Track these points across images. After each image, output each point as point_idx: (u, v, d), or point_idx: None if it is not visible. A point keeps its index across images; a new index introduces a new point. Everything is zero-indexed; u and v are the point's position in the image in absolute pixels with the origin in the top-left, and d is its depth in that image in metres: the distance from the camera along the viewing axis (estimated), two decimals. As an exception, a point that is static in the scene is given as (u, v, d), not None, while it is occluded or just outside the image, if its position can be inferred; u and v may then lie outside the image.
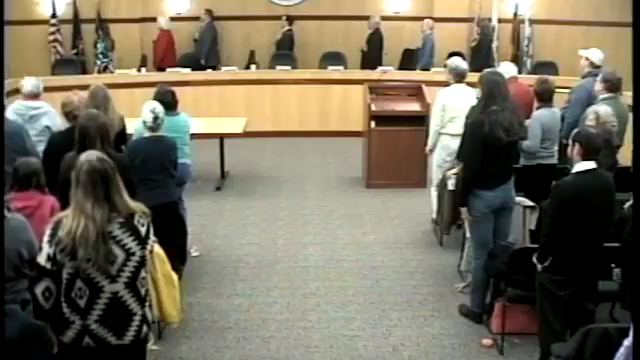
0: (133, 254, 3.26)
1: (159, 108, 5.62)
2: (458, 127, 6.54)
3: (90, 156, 3.26)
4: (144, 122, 5.58)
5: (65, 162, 4.56)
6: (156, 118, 5.54)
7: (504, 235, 5.35)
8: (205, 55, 12.22)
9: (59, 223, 3.19)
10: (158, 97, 6.09)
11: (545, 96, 6.26)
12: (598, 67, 7.07)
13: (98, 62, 11.96)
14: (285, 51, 12.38)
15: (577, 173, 4.37)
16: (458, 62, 7.07)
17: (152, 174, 5.41)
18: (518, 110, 5.24)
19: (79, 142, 4.55)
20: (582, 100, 6.70)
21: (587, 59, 7.18)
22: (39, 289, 3.20)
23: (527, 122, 6.06)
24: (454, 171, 6.10)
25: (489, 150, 5.07)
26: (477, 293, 5.38)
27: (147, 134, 5.58)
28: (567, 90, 7.29)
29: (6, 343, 3.00)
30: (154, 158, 5.46)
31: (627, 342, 3.10)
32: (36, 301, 3.21)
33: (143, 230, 3.30)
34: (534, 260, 4.47)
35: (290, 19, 12.52)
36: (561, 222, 4.33)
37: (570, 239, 4.34)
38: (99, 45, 11.98)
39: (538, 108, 6.32)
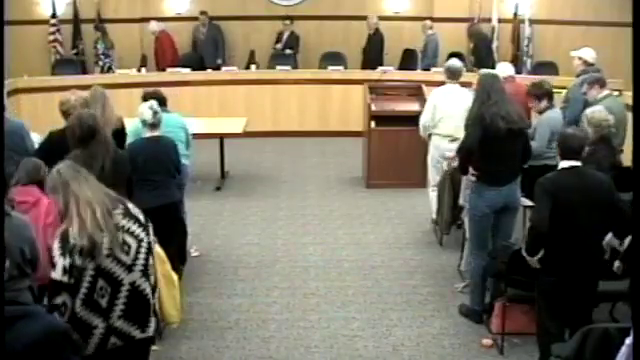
0: (142, 240, 3.31)
1: (155, 104, 5.66)
2: (448, 128, 6.74)
3: (60, 166, 3.29)
4: (144, 121, 5.57)
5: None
6: (155, 113, 5.58)
7: (507, 236, 5.35)
8: (219, 56, 12.14)
9: (66, 232, 3.16)
10: (150, 95, 6.15)
11: (550, 95, 6.31)
12: (592, 65, 7.16)
13: (100, 63, 11.87)
14: (292, 52, 12.29)
15: (559, 170, 4.42)
16: (453, 62, 7.15)
17: (153, 175, 5.40)
18: (516, 104, 5.31)
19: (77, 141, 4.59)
20: (580, 98, 6.73)
21: (580, 59, 7.27)
22: (55, 303, 3.14)
23: (533, 122, 6.12)
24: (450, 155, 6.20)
25: (492, 145, 5.10)
26: (476, 292, 5.39)
27: (147, 134, 5.58)
28: (564, 90, 7.33)
29: (30, 345, 2.99)
30: (155, 158, 5.46)
31: (628, 341, 3.09)
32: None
33: (141, 216, 3.38)
34: (523, 253, 4.47)
35: (291, 19, 12.47)
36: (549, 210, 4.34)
37: (557, 238, 4.31)
38: (99, 46, 11.93)
39: (545, 109, 6.26)
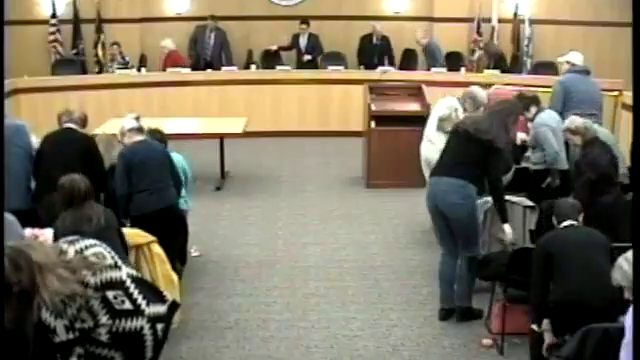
0: (101, 244, 3.31)
1: (133, 115, 5.75)
2: (430, 131, 6.88)
3: (12, 245, 3.05)
4: (130, 130, 5.54)
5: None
6: (137, 118, 5.61)
7: (466, 247, 5.31)
8: (226, 63, 12.06)
9: (39, 302, 2.96)
10: (153, 130, 6.06)
11: (536, 101, 6.38)
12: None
13: (129, 69, 11.63)
14: (315, 55, 12.12)
15: (559, 228, 4.46)
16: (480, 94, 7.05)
17: (151, 175, 5.37)
18: (489, 117, 5.34)
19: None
20: (558, 93, 7.06)
21: (568, 62, 7.42)
22: None
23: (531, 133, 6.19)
24: None
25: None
26: (441, 289, 5.47)
27: (136, 138, 5.54)
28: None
29: None
30: (150, 158, 5.44)
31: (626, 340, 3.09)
32: None
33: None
34: (533, 327, 4.37)
35: (306, 22, 12.17)
36: (546, 275, 4.31)
37: (559, 297, 4.24)
38: (126, 58, 11.79)
39: (535, 114, 6.29)
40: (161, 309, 3.32)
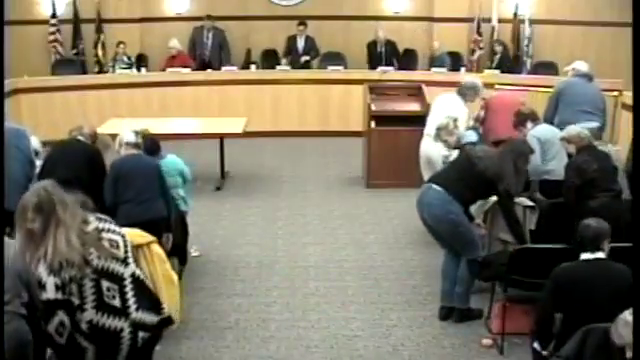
0: (123, 235, 3.33)
1: (136, 128, 5.69)
2: (430, 128, 6.89)
3: (47, 186, 3.19)
4: (127, 144, 5.49)
5: None
6: (137, 133, 5.56)
7: (462, 252, 5.34)
8: (225, 62, 12.02)
9: (47, 253, 3.05)
10: (144, 134, 5.95)
11: (532, 117, 6.37)
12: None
13: (132, 70, 11.63)
14: (313, 56, 12.08)
15: (578, 262, 4.12)
16: (474, 82, 7.06)
17: (138, 187, 5.30)
18: (500, 160, 5.32)
19: None
20: (551, 96, 7.12)
21: (573, 69, 7.44)
22: (52, 326, 3.04)
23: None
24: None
25: None
26: (442, 288, 5.49)
27: (130, 151, 5.50)
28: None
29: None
30: (139, 172, 5.38)
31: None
32: (51, 340, 3.05)
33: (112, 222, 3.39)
34: (535, 346, 4.21)
35: (304, 23, 12.13)
36: (554, 307, 4.10)
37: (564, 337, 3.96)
38: (133, 58, 11.79)
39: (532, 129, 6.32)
40: (150, 319, 3.29)
